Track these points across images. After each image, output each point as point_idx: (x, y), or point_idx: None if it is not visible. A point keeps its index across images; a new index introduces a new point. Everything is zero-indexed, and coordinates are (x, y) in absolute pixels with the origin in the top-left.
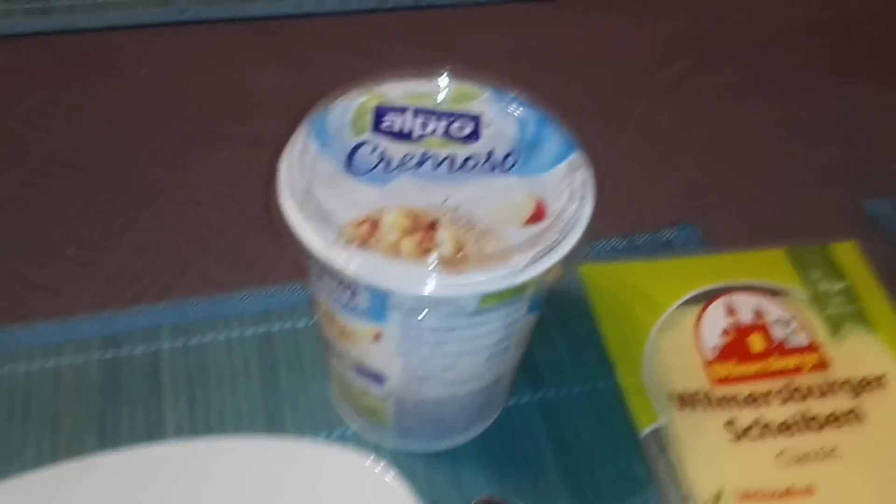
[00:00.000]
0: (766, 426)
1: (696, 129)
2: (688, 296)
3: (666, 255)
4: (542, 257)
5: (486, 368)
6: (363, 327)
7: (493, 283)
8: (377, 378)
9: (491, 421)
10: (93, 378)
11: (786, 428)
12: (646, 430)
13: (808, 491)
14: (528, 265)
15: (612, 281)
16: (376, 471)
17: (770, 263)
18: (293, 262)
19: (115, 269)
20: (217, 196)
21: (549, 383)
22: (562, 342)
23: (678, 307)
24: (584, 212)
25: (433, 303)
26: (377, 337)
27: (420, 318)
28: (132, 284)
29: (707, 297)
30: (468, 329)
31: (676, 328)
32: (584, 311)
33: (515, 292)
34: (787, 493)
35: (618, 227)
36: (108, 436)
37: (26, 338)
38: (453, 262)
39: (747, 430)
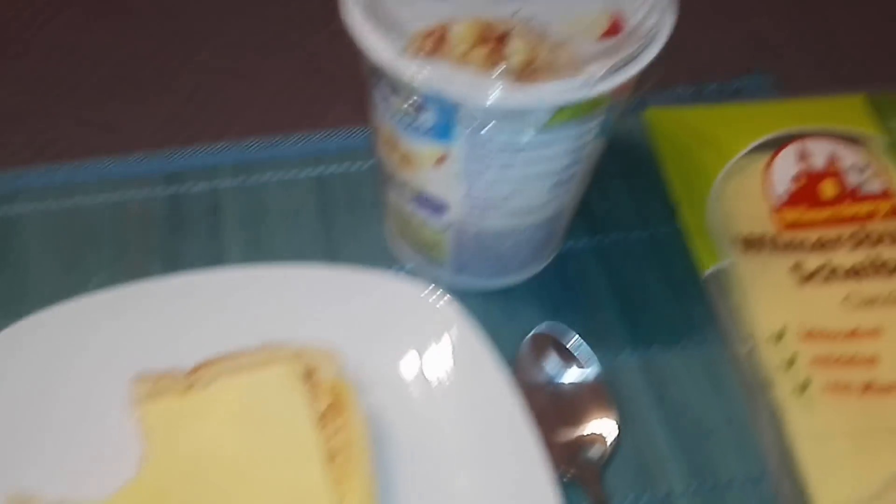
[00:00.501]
0: (833, 270)
1: None
2: (758, 141)
3: (736, 102)
4: (618, 70)
5: (549, 198)
6: (427, 149)
7: (566, 94)
8: (438, 208)
9: (547, 262)
10: (156, 212)
11: (854, 273)
12: (709, 271)
13: (874, 333)
14: (604, 77)
15: (678, 126)
16: (435, 300)
17: (847, 110)
18: (348, 105)
19: (171, 110)
20: (271, 38)
21: (606, 229)
22: (620, 189)
23: (747, 153)
24: (665, 26)
25: (502, 115)
26: (441, 160)
27: (485, 131)
28: (189, 125)
29: (778, 143)
30: (536, 150)
31: (744, 174)
32: (643, 160)
33: (588, 108)
34: (853, 334)
35: (686, 76)
36: (173, 265)
37: (92, 173)
38: (524, 73)
39: (813, 273)
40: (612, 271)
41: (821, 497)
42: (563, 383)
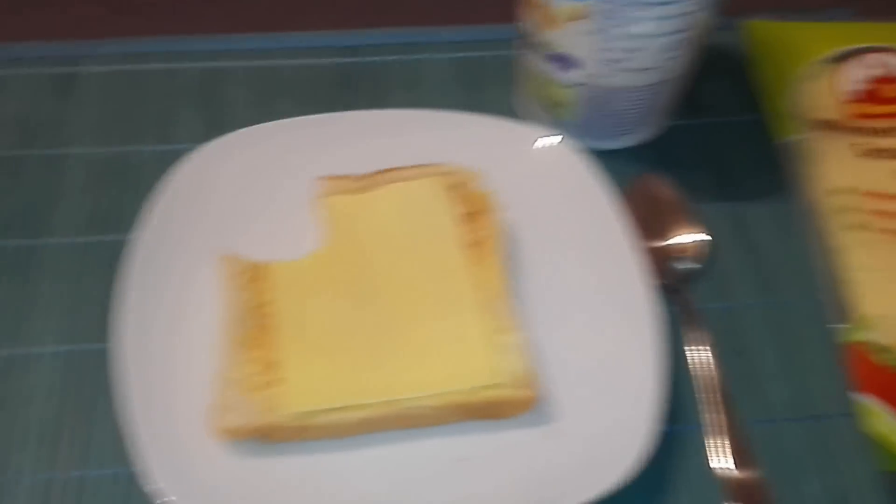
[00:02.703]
0: (887, 150)
1: None
2: (836, 51)
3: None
4: None
5: (662, 60)
6: (568, 6)
7: None
8: (571, 64)
9: (655, 132)
10: (332, 76)
11: None
12: (786, 141)
13: None
14: None
15: (771, 35)
16: (557, 141)
17: None
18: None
19: (348, 1)
20: None
21: (704, 113)
22: (719, 83)
23: (827, 59)
24: None
25: None
26: (578, 16)
27: None
28: (361, 14)
29: (853, 54)
30: (657, 8)
31: (823, 74)
32: (738, 62)
33: None
34: None
35: (774, 2)
36: None
37: (281, 42)
38: None
39: (872, 151)
40: (708, 145)
41: (865, 305)
42: (661, 199)
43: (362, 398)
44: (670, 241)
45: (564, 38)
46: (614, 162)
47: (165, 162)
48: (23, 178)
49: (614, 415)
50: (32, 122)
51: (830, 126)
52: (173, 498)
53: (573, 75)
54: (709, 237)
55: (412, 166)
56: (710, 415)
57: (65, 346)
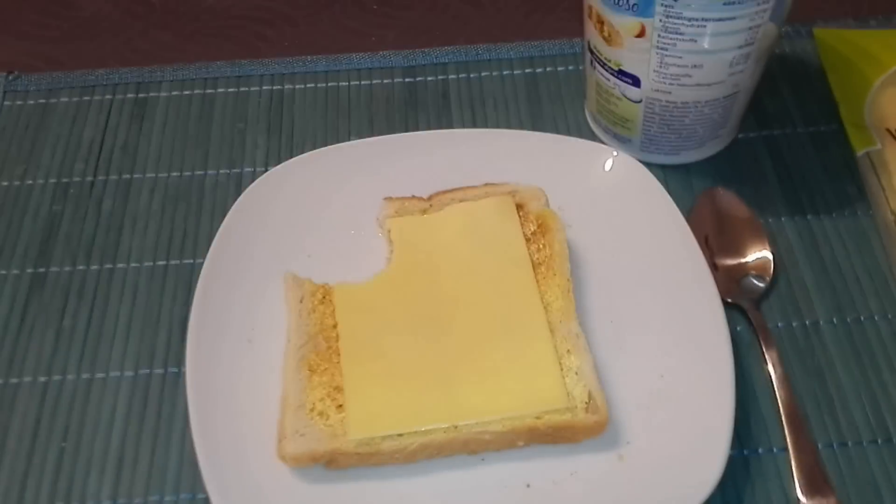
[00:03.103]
0: None
1: None
2: None
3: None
4: None
5: (727, 75)
6: (629, 22)
7: None
8: (634, 80)
9: (722, 145)
10: (397, 95)
11: None
12: (862, 152)
13: None
14: None
15: (842, 42)
16: (622, 159)
17: None
18: (557, 20)
19: (410, 21)
20: None
21: (775, 124)
22: (789, 93)
23: None
24: None
25: None
26: (640, 33)
27: (678, 3)
28: (425, 33)
29: None
30: (719, 24)
31: None
32: (809, 71)
33: None
34: None
35: (851, 8)
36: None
37: (346, 64)
38: None
39: None
40: (777, 158)
41: None
42: (729, 215)
43: (427, 423)
44: (740, 258)
45: (627, 54)
46: (682, 177)
47: (235, 185)
48: (97, 202)
49: (686, 439)
50: (106, 147)
51: None
52: None
53: (637, 91)
54: (780, 253)
55: (476, 186)
56: (784, 438)
57: (140, 370)
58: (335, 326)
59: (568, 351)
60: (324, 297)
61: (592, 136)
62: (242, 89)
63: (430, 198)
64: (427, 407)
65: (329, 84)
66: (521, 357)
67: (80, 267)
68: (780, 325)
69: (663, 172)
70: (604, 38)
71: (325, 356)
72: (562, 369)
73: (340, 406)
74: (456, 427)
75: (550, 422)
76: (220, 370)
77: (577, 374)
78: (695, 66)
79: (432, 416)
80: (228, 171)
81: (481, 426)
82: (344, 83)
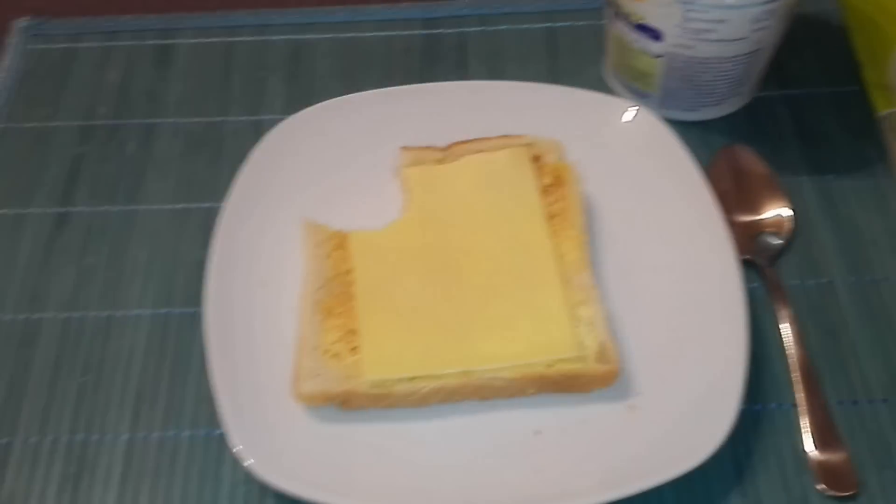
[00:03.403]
0: None
1: None
2: None
3: None
4: None
5: (750, 30)
6: None
7: None
8: (655, 35)
9: (742, 103)
10: (415, 47)
11: None
12: (884, 112)
13: None
14: None
15: (865, 2)
16: (642, 114)
17: None
18: None
19: None
20: None
21: (796, 84)
22: (811, 53)
23: None
24: None
25: None
26: None
27: None
28: None
29: None
30: None
31: None
32: (830, 31)
33: None
34: None
35: None
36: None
37: (366, 15)
38: None
39: None
40: (797, 117)
41: None
42: (747, 172)
43: (440, 368)
44: (756, 216)
45: (650, 7)
46: (700, 134)
47: (254, 132)
48: (120, 145)
49: (697, 392)
50: (131, 92)
51: None
52: (251, 461)
53: (659, 46)
54: (797, 212)
55: (493, 137)
56: (797, 394)
57: (160, 309)
58: (350, 272)
59: (581, 301)
60: (340, 244)
61: (611, 93)
62: (263, 38)
63: (446, 148)
64: (440, 352)
65: (348, 35)
66: (533, 306)
67: (103, 208)
68: (795, 282)
69: (682, 128)
70: None
71: (340, 300)
72: (574, 319)
73: (354, 348)
74: (468, 373)
75: (561, 370)
76: (236, 311)
77: (589, 324)
78: (718, 20)
79: (445, 360)
80: (248, 119)
81: (493, 372)
82: (363, 34)
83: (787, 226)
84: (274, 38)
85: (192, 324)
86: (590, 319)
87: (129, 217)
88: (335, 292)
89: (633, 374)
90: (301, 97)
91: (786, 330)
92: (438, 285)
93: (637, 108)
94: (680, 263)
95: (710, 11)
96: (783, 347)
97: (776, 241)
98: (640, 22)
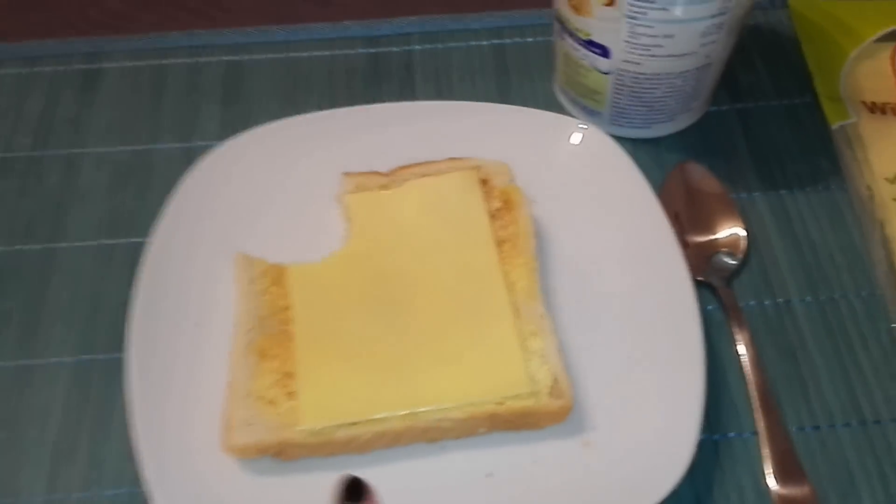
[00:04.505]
0: None
1: None
2: (890, 30)
3: None
4: None
5: (699, 45)
6: None
7: None
8: (604, 50)
9: (693, 119)
10: (359, 66)
11: None
12: (837, 125)
13: None
14: None
15: (817, 13)
16: (591, 132)
17: None
18: None
19: None
20: None
21: (747, 97)
22: (762, 66)
23: (877, 39)
24: None
25: None
26: (610, 2)
27: None
28: (389, 2)
29: None
30: None
31: (874, 56)
32: (783, 44)
33: None
34: None
35: None
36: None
37: (305, 34)
38: None
39: None
40: (750, 132)
41: None
42: (700, 190)
43: (383, 411)
44: (711, 235)
45: (597, 23)
46: (652, 151)
47: (186, 160)
48: (41, 178)
49: (654, 423)
50: (54, 120)
51: (881, 108)
52: None
53: (607, 62)
54: (752, 230)
55: (440, 160)
56: (756, 421)
57: (82, 356)
58: (287, 309)
59: (532, 333)
60: (277, 279)
61: (561, 110)
62: (196, 60)
63: (390, 173)
64: (383, 394)
65: (287, 55)
66: (482, 340)
67: (18, 247)
68: (751, 303)
69: (633, 146)
70: (572, 6)
71: (276, 340)
72: (525, 352)
73: (291, 393)
74: (413, 415)
75: (513, 407)
76: (163, 356)
77: (541, 357)
78: (666, 35)
79: (388, 403)
80: (180, 146)
81: (440, 413)
82: (303, 53)
83: (742, 245)
84: (208, 59)
85: (116, 371)
86: (542, 352)
87: (49, 256)
88: (271, 332)
89: (586, 407)
90: (237, 121)
91: (743, 353)
92: (382, 321)
93: (587, 126)
94: (633, 287)
95: (657, 26)
96: (741, 372)
97: (731, 262)
98: (588, 38)
